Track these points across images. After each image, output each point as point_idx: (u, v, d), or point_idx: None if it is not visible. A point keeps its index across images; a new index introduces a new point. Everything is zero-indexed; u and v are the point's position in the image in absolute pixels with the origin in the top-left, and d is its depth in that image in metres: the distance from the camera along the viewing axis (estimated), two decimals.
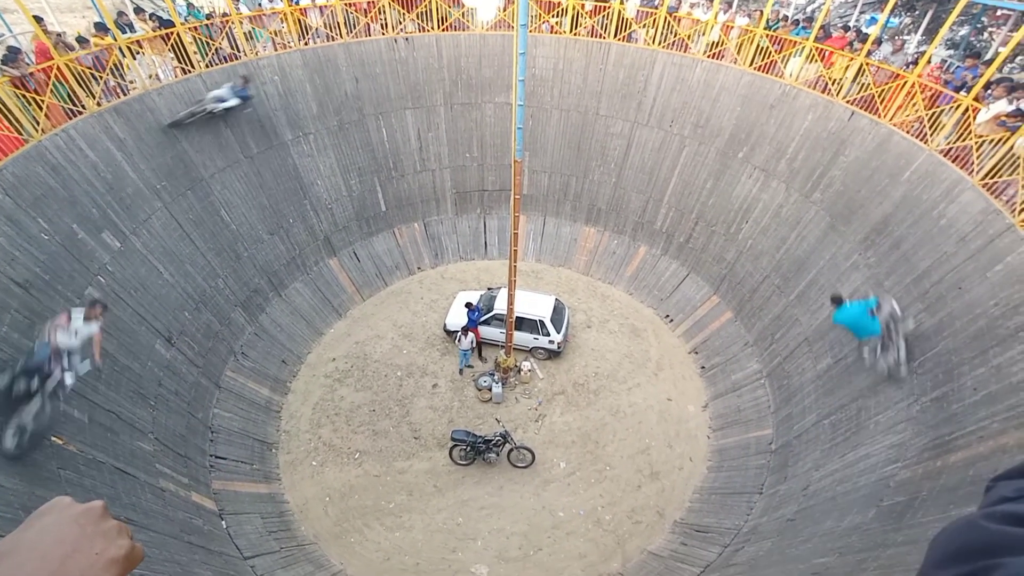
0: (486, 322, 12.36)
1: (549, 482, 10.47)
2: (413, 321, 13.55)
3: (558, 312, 12.52)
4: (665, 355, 13.04)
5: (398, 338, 13.10)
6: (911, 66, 10.21)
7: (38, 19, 8.75)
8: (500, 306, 12.16)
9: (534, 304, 12.30)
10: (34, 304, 7.45)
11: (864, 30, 12.67)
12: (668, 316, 13.92)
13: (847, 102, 10.72)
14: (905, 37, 15.39)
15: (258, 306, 12.10)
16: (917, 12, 16.91)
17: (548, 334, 12.10)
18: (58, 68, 8.66)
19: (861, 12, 16.40)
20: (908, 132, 9.77)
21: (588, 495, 10.29)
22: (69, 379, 6.54)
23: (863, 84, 10.47)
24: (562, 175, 15.09)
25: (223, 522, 8.80)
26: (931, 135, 9.34)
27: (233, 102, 10.59)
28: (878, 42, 10.86)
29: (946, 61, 12.27)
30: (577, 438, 11.18)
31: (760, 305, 12.17)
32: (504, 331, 11.68)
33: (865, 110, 10.45)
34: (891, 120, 10.04)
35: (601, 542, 9.65)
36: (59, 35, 9.34)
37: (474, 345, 11.96)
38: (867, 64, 10.38)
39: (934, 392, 7.49)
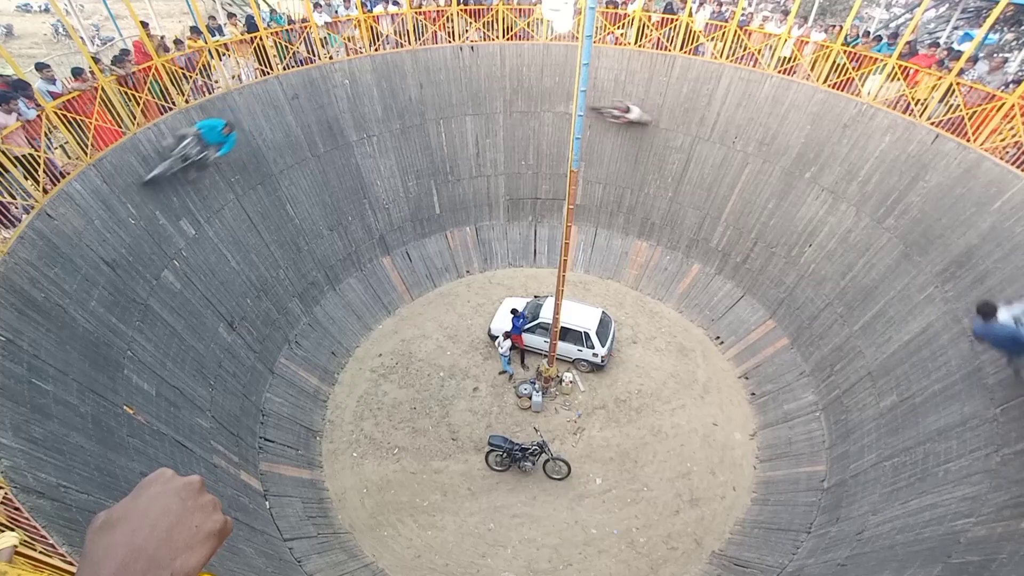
0: (530, 330, 12.35)
1: (584, 497, 10.29)
2: (459, 323, 13.74)
3: (604, 325, 12.34)
4: (713, 378, 12.56)
5: (443, 339, 13.31)
6: (1012, 86, 9.41)
7: (144, 24, 9.58)
8: (546, 315, 12.12)
9: (580, 315, 12.18)
10: (118, 283, 8.11)
11: (956, 47, 11.81)
12: (719, 338, 13.41)
13: (931, 124, 10.01)
14: (1006, 55, 14.22)
15: (313, 298, 12.64)
16: (1023, 27, 15.55)
17: (592, 347, 11.94)
18: (156, 68, 9.45)
19: (954, 28, 15.30)
20: (1002, 158, 9.00)
21: (623, 515, 10.03)
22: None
23: (952, 105, 9.75)
24: (617, 187, 14.91)
25: (267, 503, 9.20)
26: None
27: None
28: (973, 60, 10.08)
29: None
30: (615, 455, 10.94)
31: (820, 334, 11.51)
32: (548, 340, 11.62)
33: (952, 133, 9.73)
34: (982, 145, 9.28)
35: (634, 565, 9.37)
36: (160, 38, 10.19)
37: (507, 353, 11.99)
38: (957, 84, 9.66)
39: (1019, 444, 6.81)
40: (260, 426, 10.41)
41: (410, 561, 9.39)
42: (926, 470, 7.92)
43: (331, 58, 12.22)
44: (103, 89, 8.62)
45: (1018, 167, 8.71)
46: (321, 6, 12.46)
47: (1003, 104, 9.02)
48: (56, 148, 8.26)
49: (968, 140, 9.46)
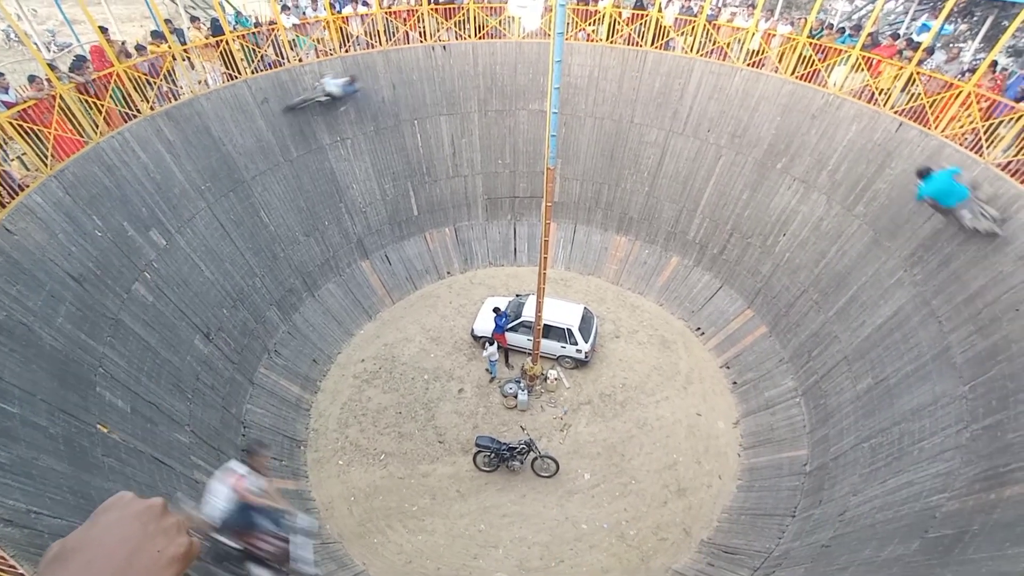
0: (513, 329, 12.34)
1: (573, 493, 10.34)
2: (441, 325, 13.65)
3: (586, 321, 12.40)
4: (695, 369, 12.74)
5: (426, 342, 13.21)
6: (967, 75, 9.74)
7: (103, 29, 9.25)
8: (528, 313, 12.12)
9: (562, 312, 12.22)
10: (86, 298, 7.83)
11: (915, 38, 12.18)
12: (699, 329, 13.60)
13: (895, 112, 10.30)
14: (961, 45, 14.72)
15: (292, 305, 12.41)
16: (976, 18, 16.12)
17: (576, 343, 11.99)
18: (117, 74, 9.14)
19: (912, 19, 15.77)
20: (961, 144, 9.32)
21: (612, 508, 10.11)
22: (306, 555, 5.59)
23: (913, 94, 10.05)
24: (594, 183, 14.99)
25: None
26: (987, 148, 8.88)
27: (339, 93, 11.87)
28: (930, 50, 10.41)
29: (1007, 69, 11.66)
30: (602, 450, 11.01)
31: (797, 321, 11.77)
32: (531, 338, 11.63)
33: (914, 121, 10.03)
34: (943, 132, 9.59)
35: (624, 557, 9.45)
36: (122, 44, 9.86)
37: (494, 357, 11.97)
38: (918, 73, 9.96)
39: (986, 419, 7.06)
40: (242, 438, 10.17)
41: (401, 567, 9.31)
42: (902, 449, 8.16)
43: (300, 60, 12.00)
44: (61, 97, 8.31)
45: (976, 152, 9.03)
46: (289, 8, 12.22)
47: (960, 92, 9.34)
48: (12, 159, 7.93)
49: (929, 127, 9.77)
